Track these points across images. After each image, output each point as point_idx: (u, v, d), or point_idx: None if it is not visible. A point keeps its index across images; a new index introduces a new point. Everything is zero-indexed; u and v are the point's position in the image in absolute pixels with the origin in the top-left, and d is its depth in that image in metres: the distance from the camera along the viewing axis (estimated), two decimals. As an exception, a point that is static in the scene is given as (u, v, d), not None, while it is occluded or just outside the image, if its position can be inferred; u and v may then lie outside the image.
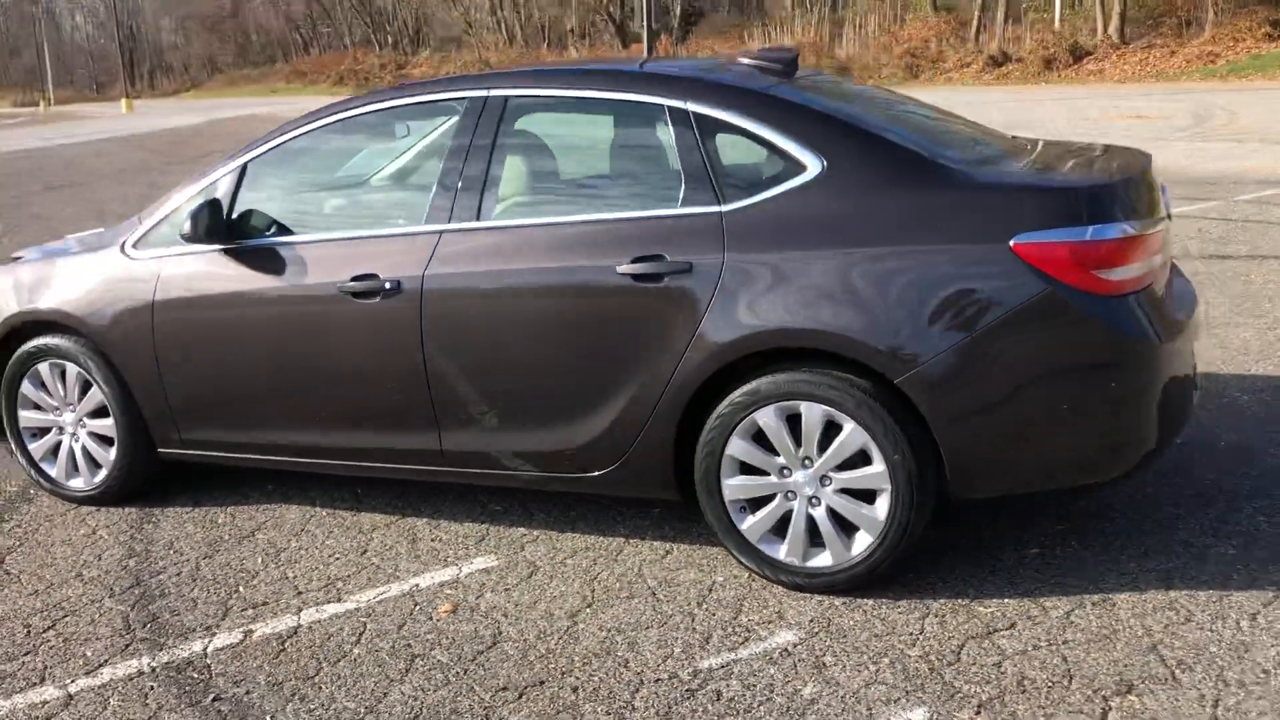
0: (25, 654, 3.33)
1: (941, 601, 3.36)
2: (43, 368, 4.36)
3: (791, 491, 3.41)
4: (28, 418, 4.45)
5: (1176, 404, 3.36)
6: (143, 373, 4.14)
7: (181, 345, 4.07)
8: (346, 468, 3.99)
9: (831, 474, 3.35)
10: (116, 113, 49.15)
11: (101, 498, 4.38)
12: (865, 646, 3.14)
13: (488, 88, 3.85)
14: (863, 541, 3.36)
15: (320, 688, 3.06)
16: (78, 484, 4.40)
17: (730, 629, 3.26)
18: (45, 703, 3.08)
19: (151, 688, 3.12)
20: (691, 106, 3.54)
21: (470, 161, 3.75)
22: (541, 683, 3.02)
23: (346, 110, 4.05)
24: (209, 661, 3.23)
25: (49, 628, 3.48)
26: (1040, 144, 3.97)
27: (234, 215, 4.00)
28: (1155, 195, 3.52)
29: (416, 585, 3.63)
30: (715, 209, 3.42)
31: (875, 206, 3.31)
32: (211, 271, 3.99)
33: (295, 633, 3.37)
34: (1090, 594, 3.34)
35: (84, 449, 4.36)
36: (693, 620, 3.32)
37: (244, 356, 3.98)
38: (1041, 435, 3.23)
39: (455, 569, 3.72)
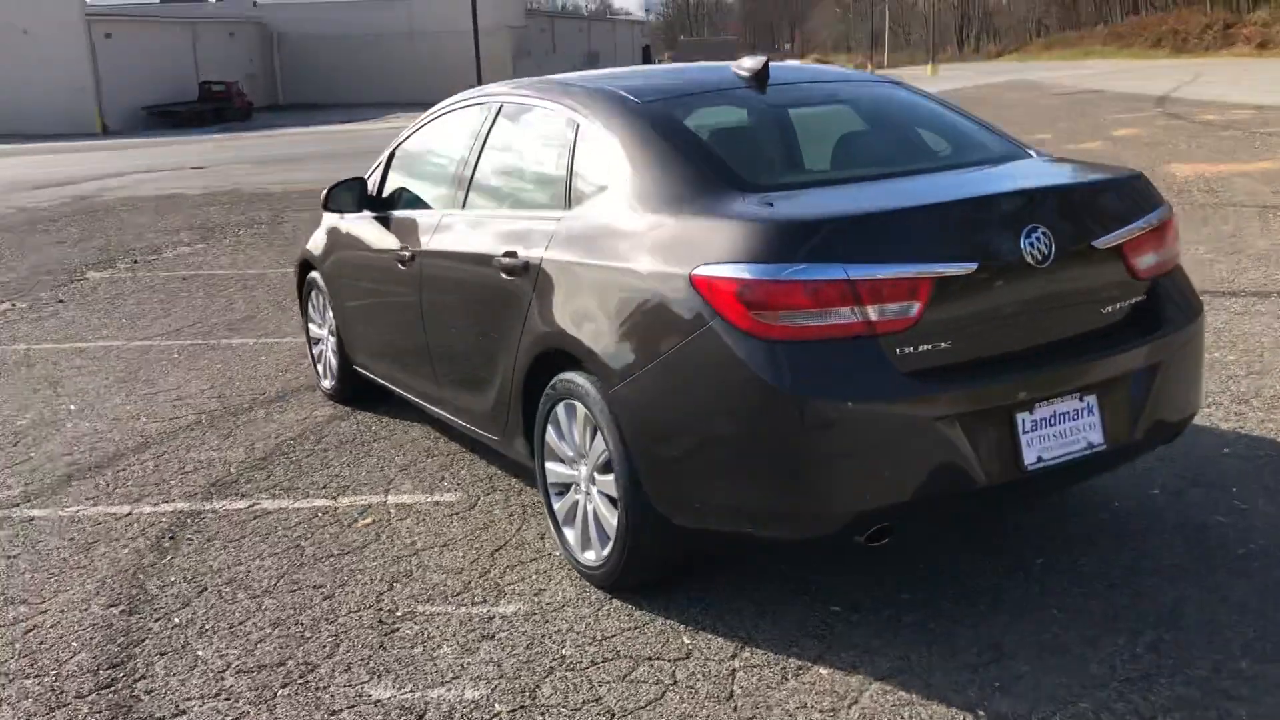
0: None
1: (676, 626, 3.47)
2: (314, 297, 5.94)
3: (579, 484, 3.70)
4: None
5: (894, 473, 3.02)
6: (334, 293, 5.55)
7: (339, 279, 5.38)
8: (420, 399, 4.93)
9: (595, 475, 3.59)
10: (920, 75, 52.32)
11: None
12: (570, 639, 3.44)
13: (493, 95, 4.50)
14: (605, 548, 3.56)
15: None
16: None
17: (491, 586, 3.72)
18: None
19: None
20: (579, 117, 3.88)
21: (469, 157, 4.46)
22: (345, 584, 3.80)
23: (439, 112, 4.95)
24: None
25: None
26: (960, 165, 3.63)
27: (383, 191, 5.13)
28: (977, 235, 3.14)
29: (381, 501, 4.53)
30: (559, 215, 3.78)
31: (631, 224, 3.45)
32: (359, 230, 5.18)
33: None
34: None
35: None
36: (469, 573, 3.83)
37: (367, 294, 5.14)
38: (716, 474, 3.18)
39: (422, 495, 4.55)
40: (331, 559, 4.01)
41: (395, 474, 4.81)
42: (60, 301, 9.13)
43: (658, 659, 3.23)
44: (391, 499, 4.54)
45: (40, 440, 5.53)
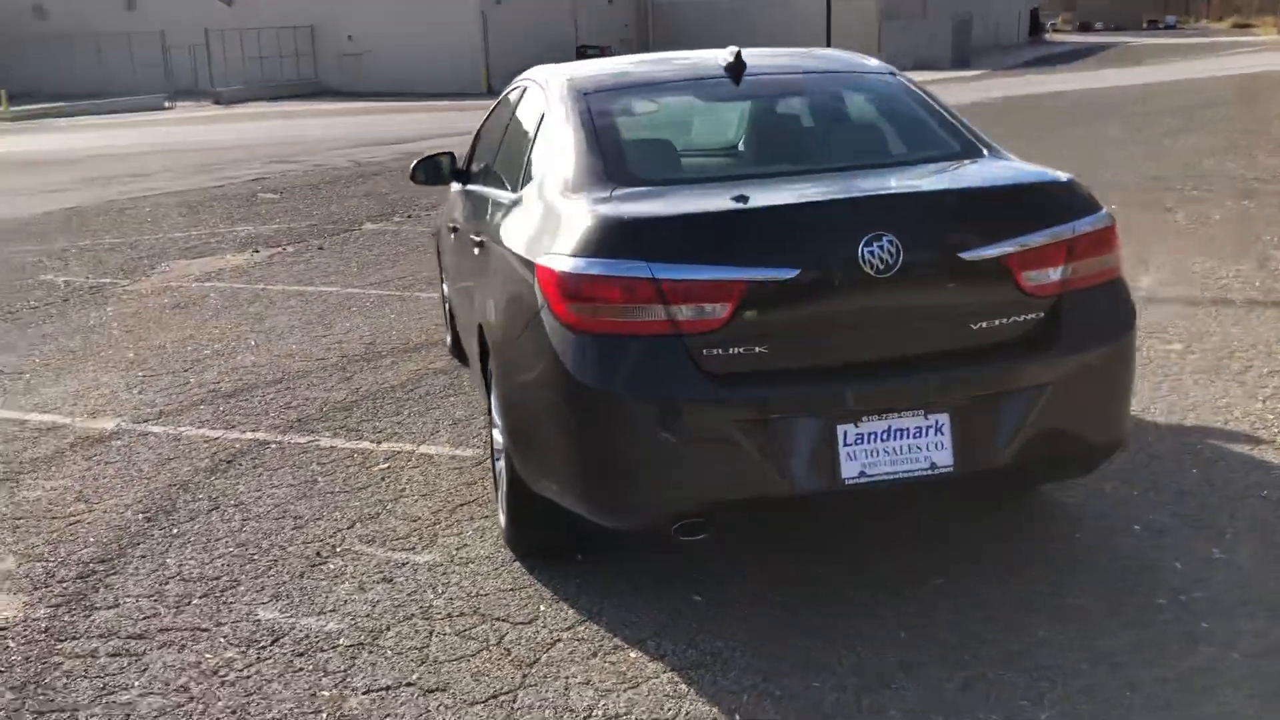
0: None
1: (545, 593, 3.70)
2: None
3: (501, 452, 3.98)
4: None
5: (694, 472, 3.08)
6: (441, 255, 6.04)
7: (442, 243, 5.88)
8: None
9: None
10: None
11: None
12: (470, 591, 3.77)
13: (527, 78, 4.75)
14: (502, 512, 3.82)
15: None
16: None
17: (428, 537, 4.08)
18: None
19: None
20: (544, 105, 4.09)
21: (502, 136, 4.76)
22: (320, 518, 4.30)
23: (508, 89, 5.26)
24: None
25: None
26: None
27: (470, 166, 5.56)
28: (788, 240, 3.10)
29: (412, 449, 4.99)
30: (511, 197, 4.04)
31: (530, 209, 3.66)
32: (452, 200, 5.64)
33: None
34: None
35: None
36: (420, 523, 4.20)
37: (450, 261, 5.61)
38: (546, 454, 3.35)
39: (448, 449, 4.97)
40: (330, 495, 4.51)
41: (443, 427, 5.25)
42: (320, 249, 10.31)
43: (503, 621, 3.45)
44: (422, 449, 4.98)
45: (206, 368, 6.44)
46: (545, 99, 4.10)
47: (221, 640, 3.43)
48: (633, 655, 3.24)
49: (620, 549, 3.83)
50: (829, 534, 3.88)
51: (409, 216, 12.05)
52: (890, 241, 3.05)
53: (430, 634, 3.40)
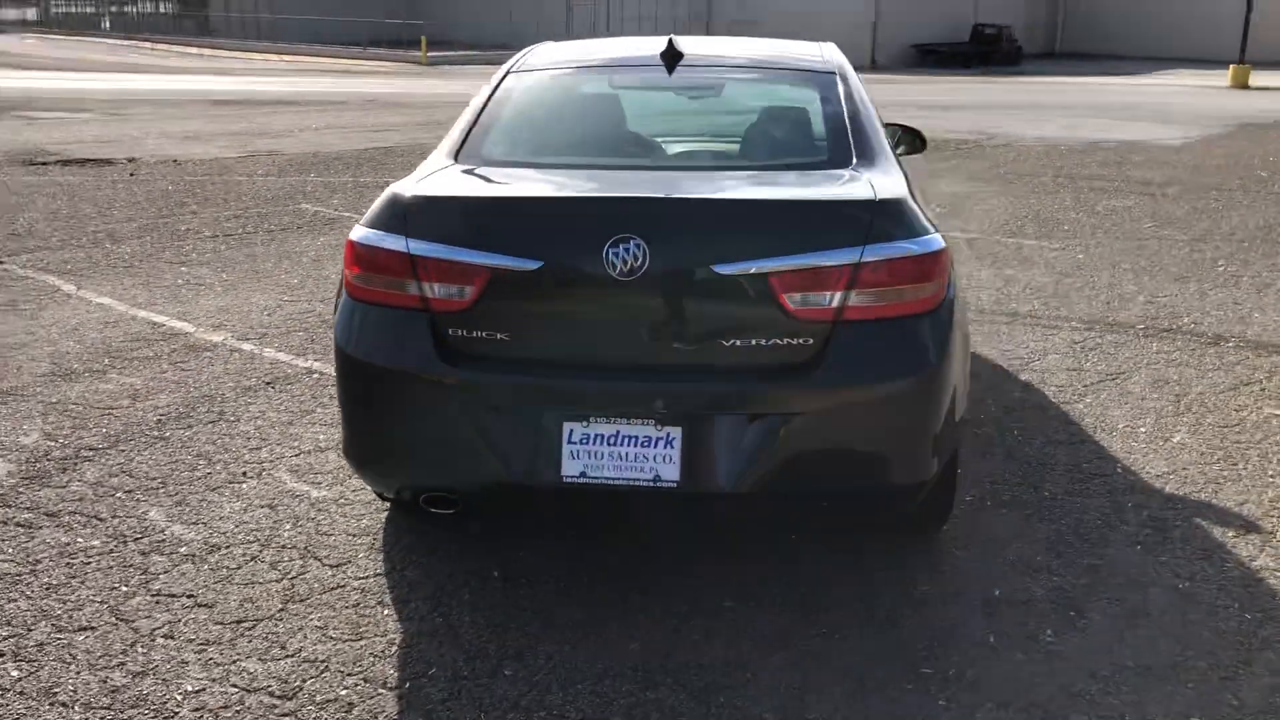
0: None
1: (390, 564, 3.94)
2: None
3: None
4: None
5: (431, 449, 3.21)
6: None
7: None
8: None
9: None
10: None
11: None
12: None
13: None
14: None
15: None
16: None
17: (331, 471, 4.40)
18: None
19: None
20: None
21: None
22: (259, 438, 4.75)
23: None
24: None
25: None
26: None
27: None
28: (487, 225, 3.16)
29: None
30: None
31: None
32: None
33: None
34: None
35: None
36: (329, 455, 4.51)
37: None
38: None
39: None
40: (295, 415, 4.95)
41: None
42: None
43: (316, 560, 3.72)
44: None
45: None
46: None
47: (100, 529, 3.92)
48: (384, 613, 3.39)
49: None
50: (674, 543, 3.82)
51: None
52: (637, 245, 2.97)
53: (251, 559, 3.73)
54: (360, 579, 3.60)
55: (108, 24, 58.87)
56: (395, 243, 3.16)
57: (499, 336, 3.10)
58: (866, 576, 3.60)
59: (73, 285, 7.28)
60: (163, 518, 4.02)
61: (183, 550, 3.78)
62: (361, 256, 3.24)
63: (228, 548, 3.80)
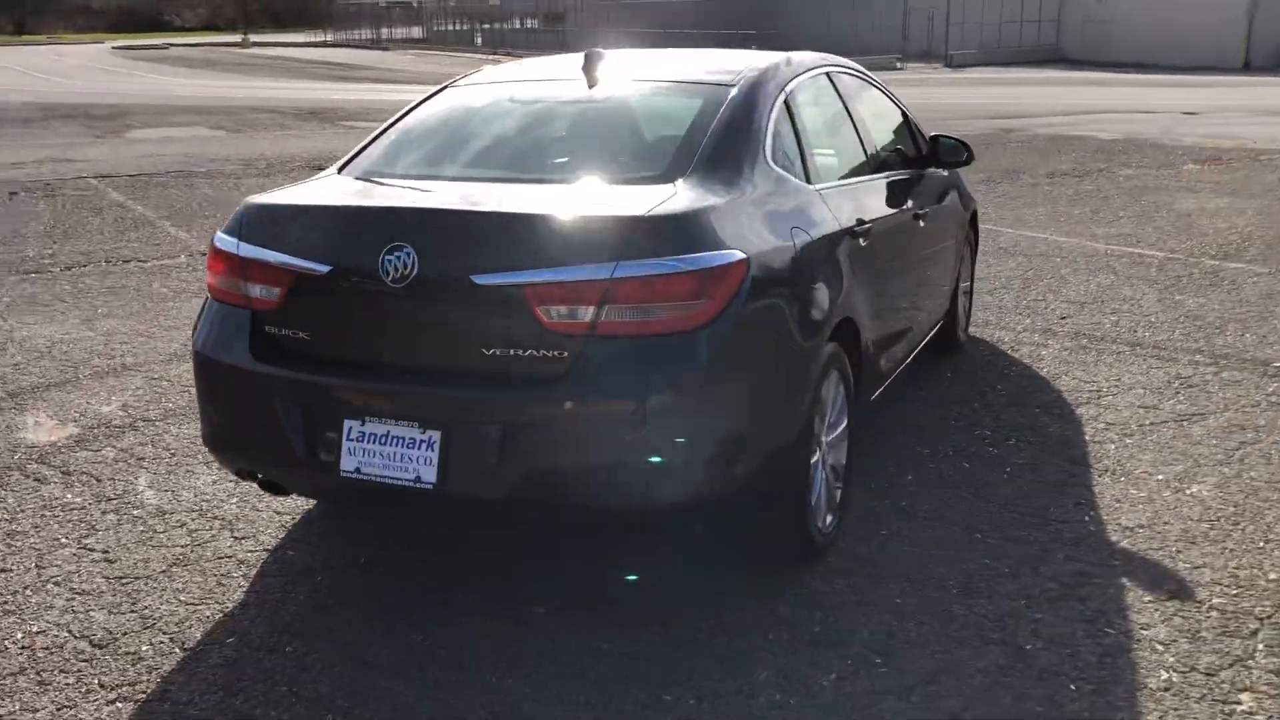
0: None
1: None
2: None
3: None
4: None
5: (246, 434, 3.52)
6: None
7: None
8: None
9: None
10: None
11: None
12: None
13: None
14: None
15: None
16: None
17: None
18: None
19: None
20: None
21: None
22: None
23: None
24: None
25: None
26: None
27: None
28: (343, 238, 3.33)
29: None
30: None
31: None
32: None
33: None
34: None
35: None
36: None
37: None
38: None
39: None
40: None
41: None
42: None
43: (230, 534, 4.09)
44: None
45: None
46: None
47: (89, 490, 4.50)
48: (238, 585, 3.70)
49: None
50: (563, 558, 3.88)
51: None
52: (408, 254, 3.12)
53: (179, 525, 4.16)
54: (249, 553, 3.93)
55: (479, 40, 63.93)
56: (230, 245, 3.47)
57: (301, 335, 3.35)
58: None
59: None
60: (144, 484, 4.54)
61: (136, 513, 4.27)
62: (211, 258, 3.58)
63: (172, 513, 4.26)
